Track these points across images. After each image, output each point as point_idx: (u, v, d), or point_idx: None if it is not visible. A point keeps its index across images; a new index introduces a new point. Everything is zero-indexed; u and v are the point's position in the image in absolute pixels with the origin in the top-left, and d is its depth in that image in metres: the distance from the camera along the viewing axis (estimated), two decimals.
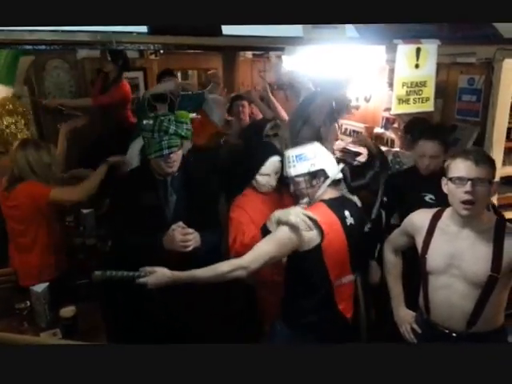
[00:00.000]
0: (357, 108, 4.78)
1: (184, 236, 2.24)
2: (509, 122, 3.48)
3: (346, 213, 2.16)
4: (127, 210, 2.36)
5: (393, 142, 4.38)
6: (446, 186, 1.98)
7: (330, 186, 2.19)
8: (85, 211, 3.37)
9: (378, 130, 4.55)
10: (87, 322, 2.42)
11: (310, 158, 2.16)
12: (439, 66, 3.69)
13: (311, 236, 2.03)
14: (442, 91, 3.76)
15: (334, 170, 2.21)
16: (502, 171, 3.57)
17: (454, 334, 2.07)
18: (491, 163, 1.96)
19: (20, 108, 3.49)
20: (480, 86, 3.36)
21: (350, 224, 2.15)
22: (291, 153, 2.23)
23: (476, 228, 1.98)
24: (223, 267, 2.01)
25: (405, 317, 2.31)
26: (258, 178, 2.45)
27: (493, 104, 3.26)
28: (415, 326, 2.25)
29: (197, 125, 3.81)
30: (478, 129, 3.39)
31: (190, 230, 2.27)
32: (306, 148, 2.23)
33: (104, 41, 2.14)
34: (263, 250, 2.02)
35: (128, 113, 4.47)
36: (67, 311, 2.37)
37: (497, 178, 3.38)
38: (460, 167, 1.92)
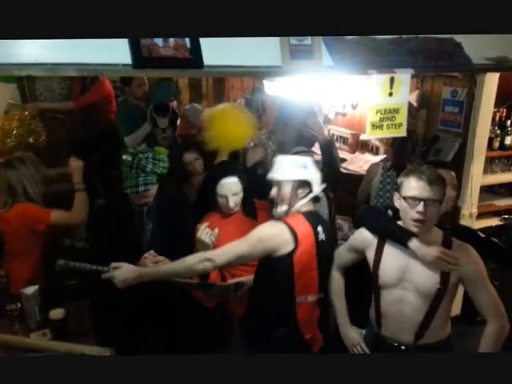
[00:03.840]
0: (343, 115, 4.86)
1: (155, 264, 2.31)
2: (490, 132, 3.60)
3: (319, 228, 2.18)
4: (104, 238, 2.46)
5: (378, 149, 4.47)
6: (398, 201, 2.00)
7: (310, 200, 2.23)
8: None
9: (364, 136, 4.62)
10: (76, 323, 2.45)
11: (302, 167, 2.20)
12: (424, 77, 3.81)
13: (286, 242, 2.06)
14: (426, 101, 3.87)
15: (318, 187, 2.24)
16: (483, 180, 3.69)
17: (402, 347, 2.09)
18: (443, 183, 1.96)
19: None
20: (463, 98, 3.46)
21: (322, 240, 2.17)
22: (284, 158, 2.28)
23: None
24: (189, 259, 2.07)
25: (354, 337, 2.26)
26: (218, 198, 2.44)
27: (474, 116, 3.37)
28: (364, 346, 2.23)
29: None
30: (460, 140, 3.49)
31: (161, 258, 2.34)
32: (300, 157, 2.30)
33: (90, 75, 2.17)
34: (232, 248, 2.07)
35: (111, 112, 4.36)
36: (56, 313, 2.40)
37: (476, 187, 3.53)
38: (413, 187, 1.92)
